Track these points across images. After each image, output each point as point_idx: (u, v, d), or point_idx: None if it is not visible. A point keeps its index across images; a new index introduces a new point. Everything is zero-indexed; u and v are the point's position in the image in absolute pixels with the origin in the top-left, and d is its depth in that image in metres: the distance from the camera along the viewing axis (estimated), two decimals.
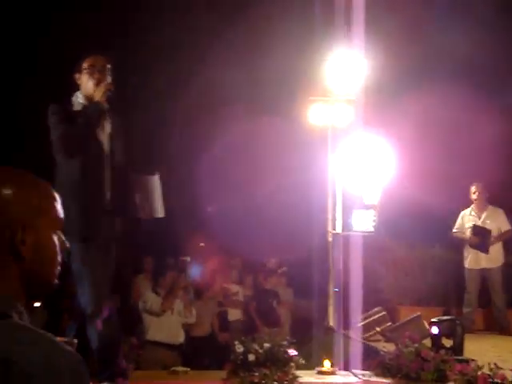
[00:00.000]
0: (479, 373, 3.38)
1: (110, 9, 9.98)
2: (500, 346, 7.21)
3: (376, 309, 7.69)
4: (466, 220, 9.01)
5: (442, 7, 9.42)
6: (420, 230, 9.28)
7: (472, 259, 8.85)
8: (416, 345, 4.76)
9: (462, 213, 9.06)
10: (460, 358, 4.80)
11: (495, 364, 3.43)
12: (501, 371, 3.39)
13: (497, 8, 9.15)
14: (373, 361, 5.04)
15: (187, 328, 7.74)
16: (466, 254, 8.93)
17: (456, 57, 9.30)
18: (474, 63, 9.39)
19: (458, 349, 5.05)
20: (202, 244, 10.04)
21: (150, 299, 7.42)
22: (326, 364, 5.16)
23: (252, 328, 7.96)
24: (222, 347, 7.63)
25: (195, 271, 8.37)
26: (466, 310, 8.85)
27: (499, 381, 3.37)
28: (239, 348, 4.98)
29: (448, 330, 5.21)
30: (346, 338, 5.81)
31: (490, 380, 3.41)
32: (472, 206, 9.00)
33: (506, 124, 9.22)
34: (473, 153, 9.29)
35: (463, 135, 9.48)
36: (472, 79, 9.51)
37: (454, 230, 9.05)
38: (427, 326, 6.04)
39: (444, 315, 7.30)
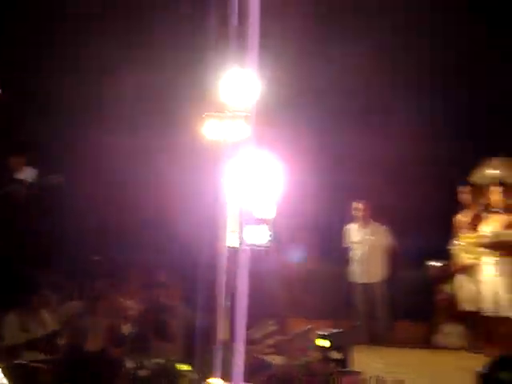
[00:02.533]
0: None
1: None
2: (387, 357, 7.42)
3: (268, 322, 7.75)
4: (352, 234, 9.28)
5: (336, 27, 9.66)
6: (313, 244, 9.46)
7: (356, 273, 9.12)
8: (306, 358, 4.84)
9: (347, 227, 9.32)
10: (348, 370, 4.92)
11: (378, 376, 3.54)
12: None
13: (394, 30, 9.48)
14: (263, 374, 5.08)
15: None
16: (351, 268, 9.19)
17: (347, 76, 9.55)
18: (365, 83, 9.67)
19: (346, 361, 5.16)
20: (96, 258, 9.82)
21: None
22: (214, 380, 5.14)
23: (145, 342, 7.85)
24: (113, 362, 7.48)
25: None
26: (355, 323, 9.09)
27: None
28: (130, 363, 4.90)
29: (337, 343, 5.32)
30: (235, 351, 5.82)
31: None
32: (357, 221, 9.28)
33: (388, 146, 9.57)
34: (364, 169, 9.58)
35: (355, 152, 9.74)
36: (360, 99, 9.82)
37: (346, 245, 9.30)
38: (317, 339, 6.14)
39: (334, 328, 7.45)
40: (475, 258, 7.69)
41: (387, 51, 9.49)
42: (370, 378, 3.55)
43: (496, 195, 7.87)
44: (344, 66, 9.43)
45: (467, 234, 7.80)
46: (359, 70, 9.41)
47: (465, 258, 7.77)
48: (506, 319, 7.46)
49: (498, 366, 3.21)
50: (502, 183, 8.01)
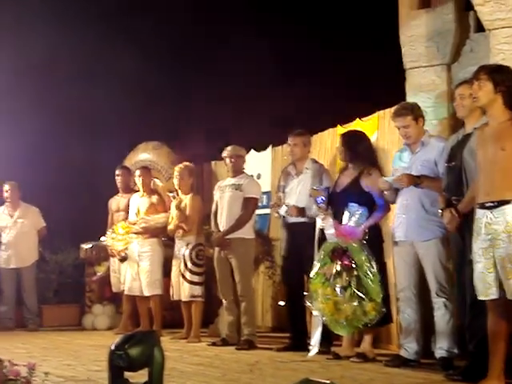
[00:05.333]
0: None
1: None
2: (32, 342, 7.27)
3: None
4: (0, 218, 8.91)
5: None
6: None
7: (4, 259, 8.78)
8: None
9: None
10: None
11: (9, 361, 3.41)
12: (15, 368, 3.39)
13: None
14: None
15: None
16: (0, 253, 8.83)
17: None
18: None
19: None
20: None
21: None
22: None
23: None
24: None
25: None
26: (3, 308, 8.77)
27: (13, 377, 3.37)
28: None
29: None
30: None
31: (5, 377, 3.38)
32: (5, 204, 8.94)
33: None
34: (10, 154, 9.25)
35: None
36: None
37: None
38: None
39: None
40: (126, 243, 7.84)
41: None
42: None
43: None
44: None
45: (121, 224, 7.91)
46: None
47: (118, 246, 7.88)
48: (144, 298, 7.76)
49: (126, 342, 3.28)
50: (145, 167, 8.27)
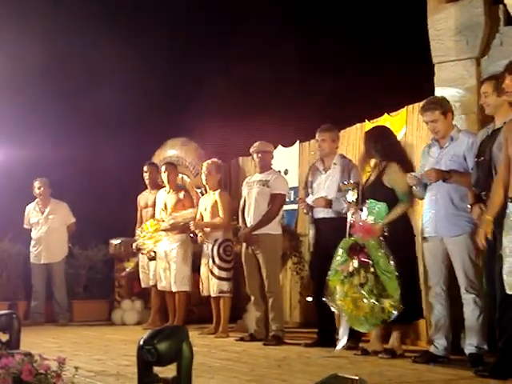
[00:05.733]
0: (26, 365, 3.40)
1: None
2: (62, 336, 7.35)
3: None
4: (32, 214, 9.03)
5: None
6: None
7: (35, 254, 8.89)
8: None
9: (28, 207, 9.06)
10: (16, 351, 4.73)
11: (40, 355, 3.45)
12: (45, 362, 3.43)
13: None
14: None
15: None
16: (31, 248, 8.95)
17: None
18: None
19: (14, 342, 4.97)
20: None
21: None
22: None
23: None
24: None
25: None
26: (33, 303, 8.88)
27: (43, 371, 3.41)
28: None
29: (5, 324, 5.10)
30: None
31: (35, 371, 3.42)
32: (36, 200, 9.05)
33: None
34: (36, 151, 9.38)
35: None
36: None
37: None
38: None
39: (10, 309, 7.18)
40: (156, 242, 7.88)
41: None
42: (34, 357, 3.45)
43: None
44: None
45: (150, 222, 7.95)
46: None
47: (148, 244, 7.93)
48: (172, 294, 7.81)
49: (154, 337, 3.30)
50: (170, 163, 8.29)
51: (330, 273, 5.46)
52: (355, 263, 5.31)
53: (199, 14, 10.26)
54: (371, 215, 5.37)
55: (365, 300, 5.20)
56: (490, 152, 4.67)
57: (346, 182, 5.89)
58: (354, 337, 5.89)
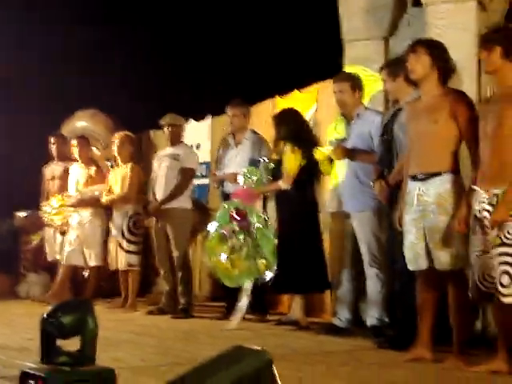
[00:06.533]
0: None
1: None
2: None
3: None
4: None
5: None
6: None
7: None
8: None
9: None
10: None
11: None
12: None
13: None
14: None
15: None
16: None
17: None
18: None
19: None
20: None
21: None
22: None
23: None
24: None
25: None
26: None
27: None
28: None
29: None
30: None
31: None
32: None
33: None
34: None
35: None
36: None
37: None
38: None
39: None
40: (64, 218, 7.76)
41: None
42: None
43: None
44: None
45: (55, 197, 7.80)
46: None
47: (56, 220, 7.79)
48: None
49: (58, 310, 3.27)
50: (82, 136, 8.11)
51: (210, 234, 5.65)
52: (235, 226, 5.52)
53: None
54: (249, 181, 5.64)
55: (242, 261, 5.45)
56: (391, 131, 4.81)
57: (266, 160, 6.02)
58: (261, 309, 6.00)
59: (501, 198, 3.82)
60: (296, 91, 7.13)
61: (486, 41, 4.06)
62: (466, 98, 4.29)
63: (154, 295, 7.64)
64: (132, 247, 7.27)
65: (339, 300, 5.51)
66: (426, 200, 4.18)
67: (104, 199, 7.44)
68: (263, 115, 7.56)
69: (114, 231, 7.37)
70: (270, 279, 5.61)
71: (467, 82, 5.25)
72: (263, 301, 6.14)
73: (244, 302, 5.70)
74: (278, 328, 5.75)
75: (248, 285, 5.64)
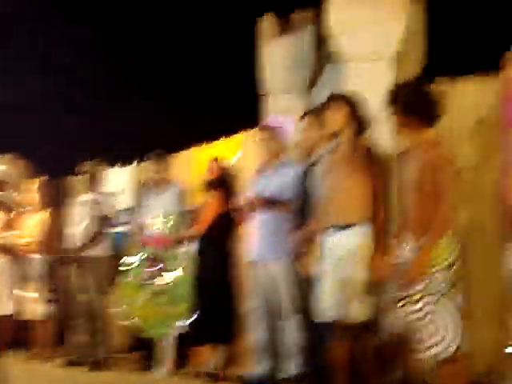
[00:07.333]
0: None
1: None
2: None
3: None
4: None
5: None
6: None
7: None
8: None
9: None
10: None
11: None
12: None
13: None
14: None
15: None
16: None
17: None
18: None
19: None
20: None
21: None
22: None
23: None
24: None
25: None
26: None
27: None
28: None
29: None
30: None
31: None
32: None
33: None
34: None
35: None
36: None
37: None
38: None
39: None
40: None
41: None
42: None
43: None
44: None
45: None
46: None
47: None
48: None
49: None
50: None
51: (125, 282, 5.62)
52: (150, 273, 5.53)
53: None
54: (162, 227, 5.74)
55: (157, 308, 5.43)
56: (307, 182, 4.87)
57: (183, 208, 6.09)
58: (181, 358, 5.96)
59: (416, 256, 3.70)
60: (223, 138, 7.20)
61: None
62: (375, 153, 4.35)
63: (70, 345, 7.41)
64: (48, 295, 7.07)
65: (256, 350, 5.44)
66: (339, 252, 4.20)
67: (20, 245, 7.24)
68: (188, 163, 7.56)
69: (29, 278, 7.16)
70: (189, 329, 5.57)
71: (384, 134, 5.35)
72: (182, 351, 6.04)
73: (169, 349, 5.70)
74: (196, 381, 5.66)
75: (171, 331, 5.65)
